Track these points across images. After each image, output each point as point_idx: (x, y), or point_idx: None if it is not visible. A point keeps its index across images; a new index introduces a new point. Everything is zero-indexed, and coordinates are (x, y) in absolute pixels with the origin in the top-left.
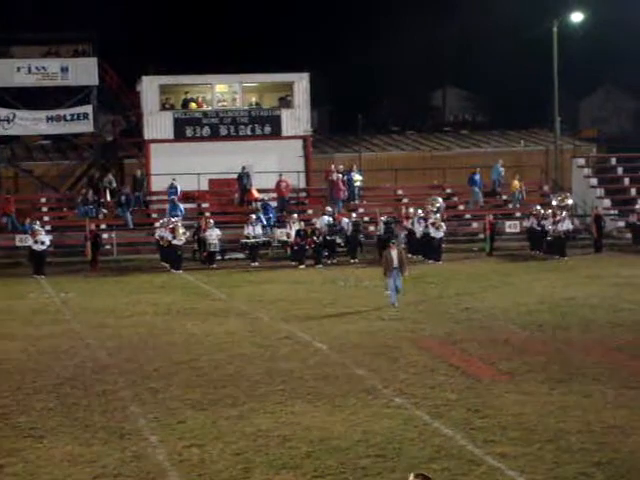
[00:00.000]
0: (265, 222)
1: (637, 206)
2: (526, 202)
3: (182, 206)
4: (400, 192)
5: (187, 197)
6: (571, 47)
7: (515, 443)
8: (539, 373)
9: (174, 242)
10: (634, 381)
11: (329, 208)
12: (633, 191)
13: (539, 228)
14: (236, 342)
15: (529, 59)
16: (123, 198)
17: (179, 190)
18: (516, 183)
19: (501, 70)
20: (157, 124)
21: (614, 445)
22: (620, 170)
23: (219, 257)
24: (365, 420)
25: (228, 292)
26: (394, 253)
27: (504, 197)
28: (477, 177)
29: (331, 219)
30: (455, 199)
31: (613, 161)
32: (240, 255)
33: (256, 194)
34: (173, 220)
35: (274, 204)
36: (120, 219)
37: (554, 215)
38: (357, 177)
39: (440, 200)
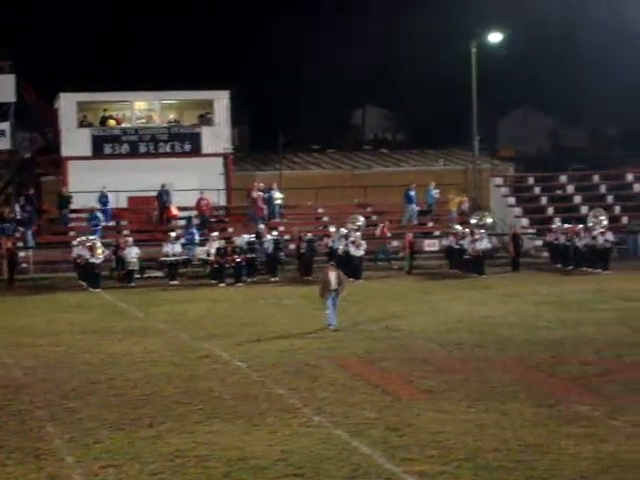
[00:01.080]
0: (189, 239)
1: (554, 225)
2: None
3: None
4: (321, 210)
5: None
6: (489, 66)
7: (433, 461)
8: (457, 391)
9: (92, 260)
10: (551, 399)
11: (262, 225)
12: (550, 210)
13: (457, 247)
14: (154, 361)
15: (448, 78)
16: (25, 216)
17: (110, 200)
18: (457, 199)
19: (420, 89)
20: (75, 141)
21: (531, 463)
22: (537, 189)
23: (138, 275)
24: (284, 439)
25: (146, 311)
26: (332, 275)
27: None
28: (412, 193)
29: (252, 237)
30: (375, 217)
31: (530, 180)
32: (159, 273)
33: (175, 212)
34: (91, 238)
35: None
36: (42, 236)
37: (472, 234)
38: (277, 195)
39: (361, 218)
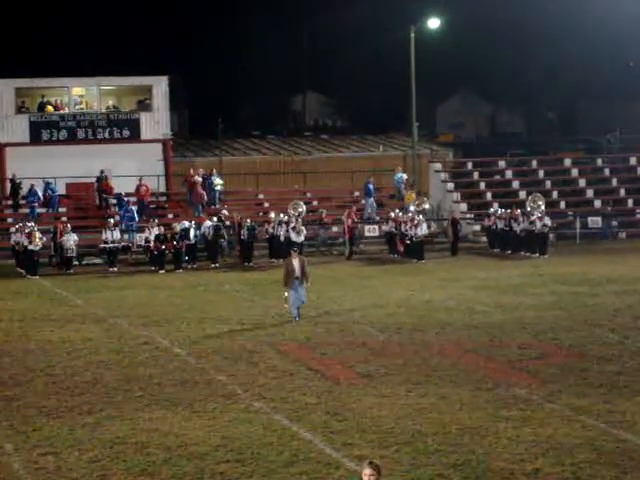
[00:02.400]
0: (128, 217)
1: (492, 210)
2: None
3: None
4: (261, 196)
5: (43, 203)
6: (428, 52)
7: (373, 446)
8: (397, 375)
9: (30, 247)
10: (489, 382)
11: (224, 211)
12: (488, 195)
13: (397, 232)
14: (93, 349)
15: (387, 64)
16: None
17: (40, 195)
18: (412, 195)
19: (360, 75)
20: (12, 127)
21: (470, 446)
22: (476, 175)
23: (76, 262)
24: (224, 425)
25: (85, 298)
26: (296, 262)
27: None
28: (371, 186)
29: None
30: (315, 203)
31: (469, 166)
32: (98, 260)
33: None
34: (29, 225)
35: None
36: None
37: (412, 219)
38: (217, 181)
39: (302, 204)
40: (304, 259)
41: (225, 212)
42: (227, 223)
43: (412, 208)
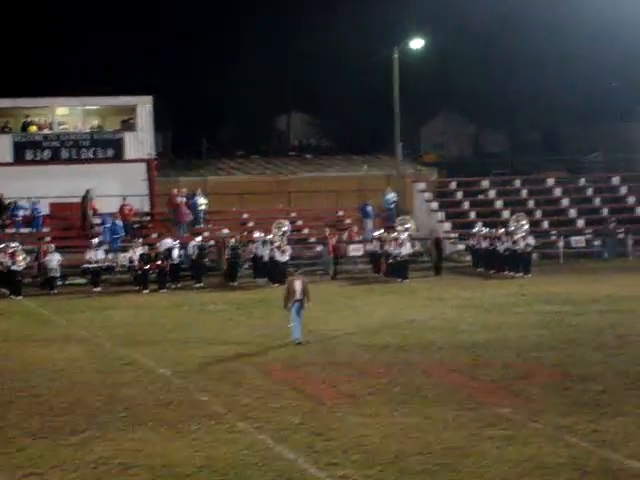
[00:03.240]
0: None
1: (476, 229)
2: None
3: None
4: (246, 216)
5: (27, 221)
6: (412, 73)
7: (357, 466)
8: (381, 395)
9: (13, 268)
10: (472, 402)
11: (225, 230)
12: (472, 214)
13: (381, 251)
14: (77, 369)
15: (371, 85)
16: None
17: (22, 212)
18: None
19: (344, 96)
20: None
21: (454, 466)
22: (460, 194)
23: (60, 282)
24: (208, 446)
25: (69, 318)
26: (297, 283)
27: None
28: (369, 208)
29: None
30: (300, 222)
31: (453, 185)
32: (82, 280)
33: (96, 206)
34: (12, 245)
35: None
36: None
37: (396, 239)
38: (201, 201)
39: (286, 223)
40: (306, 280)
41: (226, 231)
42: (212, 243)
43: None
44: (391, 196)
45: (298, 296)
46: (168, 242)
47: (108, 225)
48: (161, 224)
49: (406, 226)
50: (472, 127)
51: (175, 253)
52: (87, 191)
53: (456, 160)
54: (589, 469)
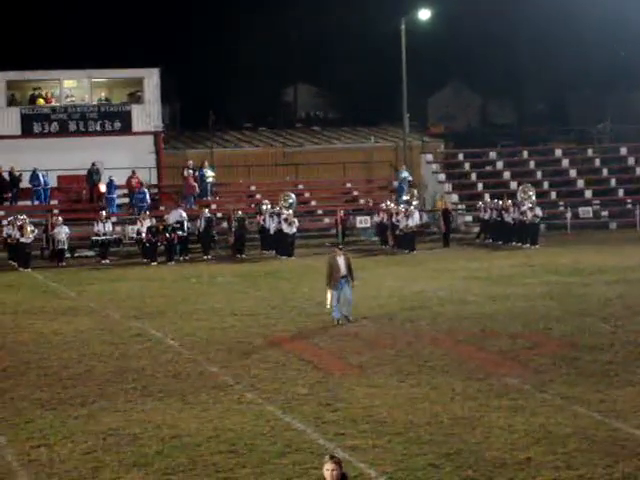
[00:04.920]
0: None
1: (482, 201)
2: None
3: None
4: (253, 188)
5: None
6: (419, 44)
7: (365, 436)
8: (388, 366)
9: (22, 240)
10: (480, 373)
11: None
12: (480, 186)
13: (389, 223)
14: (86, 341)
15: (378, 56)
16: None
17: (42, 180)
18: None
19: (351, 67)
20: (3, 120)
21: (462, 436)
22: (467, 165)
23: (68, 255)
24: (216, 416)
25: (78, 290)
26: (341, 260)
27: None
28: (403, 184)
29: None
30: (307, 195)
31: (460, 157)
32: (90, 253)
33: (103, 189)
34: (20, 218)
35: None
36: None
37: (404, 210)
38: (209, 173)
39: (292, 196)
40: (349, 256)
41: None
42: (219, 215)
43: (404, 198)
44: (405, 175)
45: (342, 272)
46: (177, 214)
47: (114, 195)
48: (169, 196)
49: (408, 198)
50: (479, 98)
51: (185, 225)
52: (93, 164)
53: (463, 131)
54: (597, 439)
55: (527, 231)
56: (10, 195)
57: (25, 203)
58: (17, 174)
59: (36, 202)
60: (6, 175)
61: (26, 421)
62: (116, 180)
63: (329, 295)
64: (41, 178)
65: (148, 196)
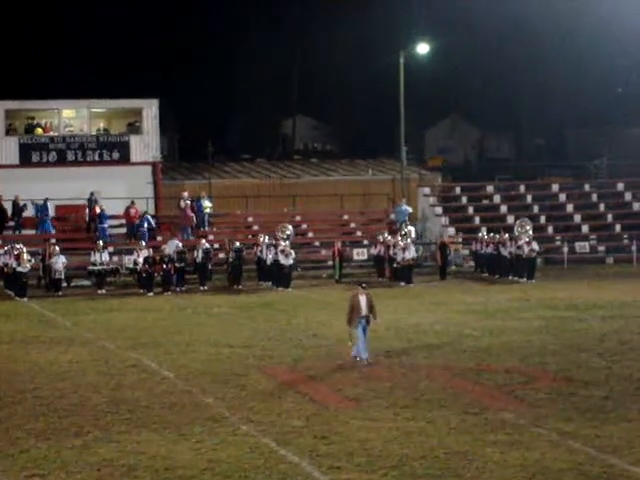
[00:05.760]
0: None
1: (480, 234)
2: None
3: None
4: (250, 219)
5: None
6: (417, 78)
7: (360, 469)
8: (384, 399)
9: (19, 269)
10: (476, 407)
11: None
12: (477, 219)
13: (385, 255)
14: (81, 371)
15: (377, 89)
16: None
17: (49, 207)
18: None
19: (350, 100)
20: (2, 149)
21: (457, 470)
22: (464, 199)
23: (65, 284)
24: (211, 448)
25: (73, 320)
26: (362, 299)
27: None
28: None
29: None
30: (304, 227)
31: (457, 190)
32: (87, 282)
33: (98, 211)
34: (17, 246)
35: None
36: None
37: (401, 243)
38: (207, 204)
39: (290, 227)
40: (371, 295)
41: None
42: (216, 246)
43: (402, 231)
44: (405, 208)
45: (364, 312)
46: (173, 244)
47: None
48: (166, 227)
49: (407, 230)
50: (477, 132)
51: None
52: (91, 193)
53: (461, 165)
54: (592, 474)
55: (524, 265)
56: (13, 224)
57: (30, 232)
58: (21, 203)
59: (39, 231)
60: (7, 204)
61: (20, 451)
62: (113, 210)
63: (352, 332)
64: (49, 208)
65: (152, 220)
